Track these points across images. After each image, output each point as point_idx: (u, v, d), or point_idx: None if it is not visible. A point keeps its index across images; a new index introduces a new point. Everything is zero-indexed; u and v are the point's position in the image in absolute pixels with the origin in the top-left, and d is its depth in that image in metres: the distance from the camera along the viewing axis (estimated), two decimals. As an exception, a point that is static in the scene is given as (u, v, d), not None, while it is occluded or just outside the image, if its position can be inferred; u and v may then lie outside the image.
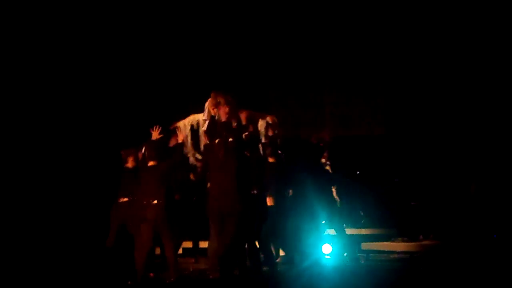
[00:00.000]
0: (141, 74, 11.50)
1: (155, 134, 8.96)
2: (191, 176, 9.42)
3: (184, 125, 9.79)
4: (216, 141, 8.80)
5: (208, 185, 8.67)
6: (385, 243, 10.61)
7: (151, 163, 8.58)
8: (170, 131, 9.38)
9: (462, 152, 11.25)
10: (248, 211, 8.48)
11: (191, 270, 9.02)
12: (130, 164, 9.07)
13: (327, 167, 10.05)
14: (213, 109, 9.31)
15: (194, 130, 9.61)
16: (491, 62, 11.08)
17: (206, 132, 9.19)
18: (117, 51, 11.23)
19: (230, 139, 8.82)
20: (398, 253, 10.23)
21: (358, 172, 11.80)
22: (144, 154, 8.75)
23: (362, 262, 9.63)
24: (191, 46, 11.76)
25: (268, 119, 9.44)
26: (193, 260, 9.94)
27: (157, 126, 8.96)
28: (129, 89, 11.38)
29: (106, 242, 8.90)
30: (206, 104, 9.44)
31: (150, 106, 11.34)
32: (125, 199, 8.89)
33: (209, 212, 8.54)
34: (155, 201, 8.37)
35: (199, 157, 9.34)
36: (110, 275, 8.64)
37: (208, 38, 11.73)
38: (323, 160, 9.91)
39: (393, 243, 10.54)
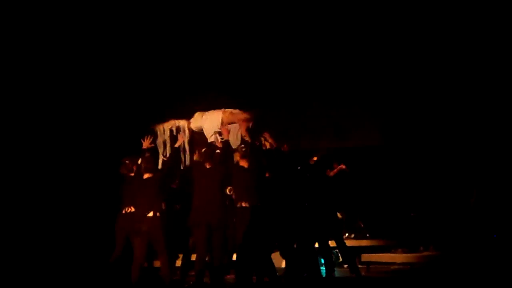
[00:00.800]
0: (129, 79, 11.39)
1: (146, 143, 9.00)
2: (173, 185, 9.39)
3: (164, 129, 9.93)
4: (203, 150, 8.87)
5: (194, 197, 8.72)
6: (385, 254, 10.59)
7: (146, 175, 8.62)
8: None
9: (461, 161, 11.24)
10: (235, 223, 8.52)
11: (191, 283, 8.98)
12: (134, 172, 8.91)
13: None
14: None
15: (174, 135, 9.74)
16: (489, 69, 11.08)
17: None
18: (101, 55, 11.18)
19: (217, 151, 8.92)
20: (398, 264, 10.22)
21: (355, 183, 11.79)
22: (139, 166, 8.72)
23: (363, 274, 9.61)
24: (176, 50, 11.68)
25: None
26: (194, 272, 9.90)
27: (149, 136, 9.06)
28: (122, 91, 11.28)
29: (111, 256, 8.80)
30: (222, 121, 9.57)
31: (137, 111, 11.22)
32: (130, 210, 8.71)
33: (193, 223, 8.59)
34: (150, 214, 8.40)
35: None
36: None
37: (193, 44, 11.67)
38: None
39: (393, 254, 10.50)
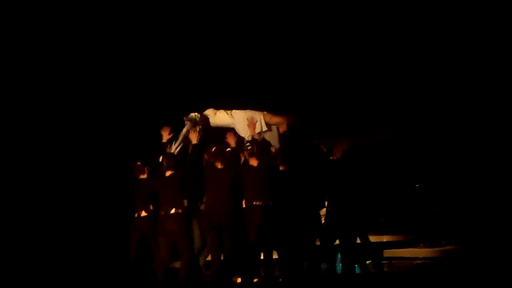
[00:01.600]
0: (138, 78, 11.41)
1: (166, 135, 9.03)
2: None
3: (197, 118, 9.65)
4: (213, 149, 8.86)
5: (204, 198, 8.75)
6: (407, 249, 10.58)
7: (168, 173, 8.64)
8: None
9: (482, 155, 11.21)
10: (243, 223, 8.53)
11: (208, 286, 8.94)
12: (146, 175, 8.98)
13: None
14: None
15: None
16: (494, 62, 11.04)
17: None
18: (113, 54, 11.20)
19: (228, 149, 8.93)
20: (420, 259, 10.21)
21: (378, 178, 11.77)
22: (161, 163, 8.70)
23: (385, 269, 9.60)
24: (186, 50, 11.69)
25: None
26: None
27: (167, 127, 9.08)
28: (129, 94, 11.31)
29: (128, 259, 8.85)
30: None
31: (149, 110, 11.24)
32: (145, 213, 8.78)
33: (204, 224, 8.64)
34: (173, 211, 8.44)
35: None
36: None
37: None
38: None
39: (415, 249, 10.50)
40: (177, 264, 8.68)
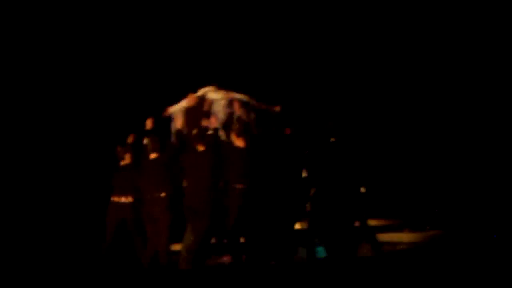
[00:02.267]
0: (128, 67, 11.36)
1: (149, 124, 9.03)
2: None
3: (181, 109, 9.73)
4: (194, 131, 8.78)
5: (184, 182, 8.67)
6: (391, 234, 10.58)
7: (153, 156, 8.57)
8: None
9: (469, 140, 11.21)
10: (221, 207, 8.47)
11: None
12: (127, 160, 8.93)
13: None
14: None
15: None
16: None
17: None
18: (108, 43, 11.14)
19: (210, 132, 8.82)
20: (404, 244, 10.21)
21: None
22: (145, 147, 8.71)
23: (369, 254, 9.61)
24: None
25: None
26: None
27: (152, 118, 9.09)
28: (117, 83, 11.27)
29: (103, 245, 8.81)
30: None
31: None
32: (125, 199, 8.76)
33: (184, 207, 8.57)
34: (162, 194, 8.37)
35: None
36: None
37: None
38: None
39: (399, 234, 10.51)
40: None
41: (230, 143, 8.73)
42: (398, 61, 11.68)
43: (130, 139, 9.03)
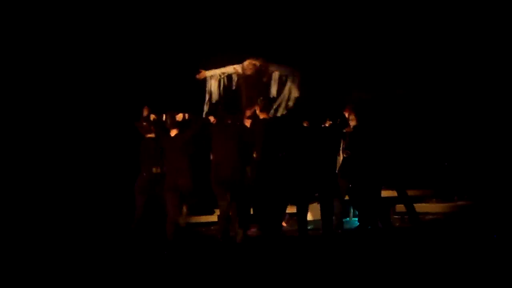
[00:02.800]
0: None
1: (146, 112, 9.02)
2: None
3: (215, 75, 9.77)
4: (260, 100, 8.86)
5: (211, 155, 8.78)
6: (419, 204, 10.58)
7: (173, 132, 8.68)
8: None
9: (495, 108, 11.11)
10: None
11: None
12: (153, 134, 8.99)
13: None
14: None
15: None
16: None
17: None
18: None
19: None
20: (432, 214, 10.23)
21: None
22: (165, 122, 8.76)
23: (397, 224, 9.66)
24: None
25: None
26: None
27: (147, 107, 9.06)
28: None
29: (134, 219, 8.90)
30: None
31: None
32: (155, 170, 8.86)
33: (213, 181, 8.66)
34: (179, 167, 8.49)
35: None
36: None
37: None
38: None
39: (427, 205, 10.52)
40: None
41: (256, 117, 8.85)
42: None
43: (145, 112, 9.05)
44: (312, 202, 9.03)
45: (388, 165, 8.89)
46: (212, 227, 10.05)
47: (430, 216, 10.15)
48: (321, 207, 8.53)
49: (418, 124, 11.65)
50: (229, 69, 9.74)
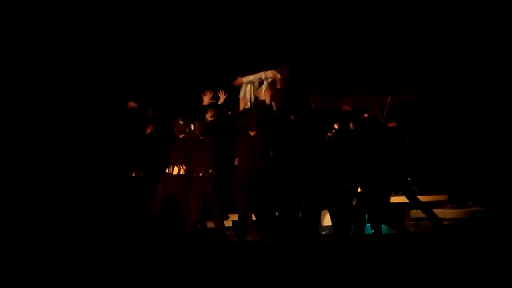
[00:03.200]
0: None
1: (207, 99, 8.96)
2: None
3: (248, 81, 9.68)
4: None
5: (236, 161, 8.85)
6: (434, 210, 10.61)
7: (201, 137, 8.80)
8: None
9: (510, 115, 11.12)
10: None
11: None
12: (185, 134, 9.00)
13: None
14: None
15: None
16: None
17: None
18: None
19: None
20: (447, 220, 10.25)
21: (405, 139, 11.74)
22: (195, 127, 8.85)
23: (412, 230, 9.68)
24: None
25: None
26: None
27: (209, 91, 8.99)
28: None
29: (150, 212, 8.93)
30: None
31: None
32: (180, 171, 8.89)
33: (236, 186, 8.73)
34: (207, 172, 8.63)
35: None
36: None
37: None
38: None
39: (442, 210, 10.53)
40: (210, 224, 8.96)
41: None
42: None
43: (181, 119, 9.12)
44: (324, 208, 9.11)
45: (397, 171, 8.88)
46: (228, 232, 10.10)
47: (445, 222, 10.15)
48: (330, 213, 8.62)
49: (433, 130, 11.71)
50: (268, 73, 9.62)
